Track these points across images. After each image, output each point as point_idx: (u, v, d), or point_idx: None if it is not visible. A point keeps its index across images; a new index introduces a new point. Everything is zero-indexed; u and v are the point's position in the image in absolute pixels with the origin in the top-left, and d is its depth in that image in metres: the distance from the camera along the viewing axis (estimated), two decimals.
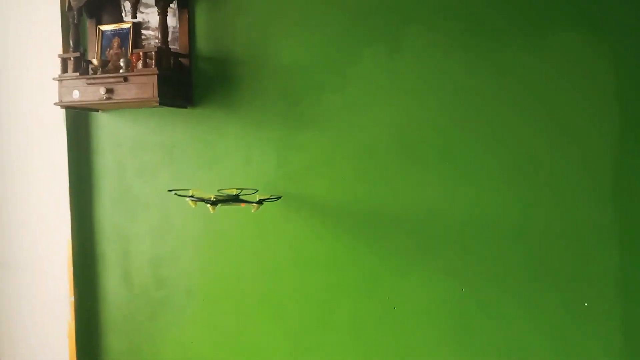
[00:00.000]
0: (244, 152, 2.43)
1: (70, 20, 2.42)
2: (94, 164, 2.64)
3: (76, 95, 2.38)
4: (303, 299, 2.36)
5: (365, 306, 2.28)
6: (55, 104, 2.42)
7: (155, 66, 2.27)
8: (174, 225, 2.54)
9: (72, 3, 2.36)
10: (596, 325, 2.03)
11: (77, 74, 2.37)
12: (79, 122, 2.64)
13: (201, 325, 2.50)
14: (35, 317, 2.67)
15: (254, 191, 2.29)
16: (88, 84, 2.34)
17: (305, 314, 2.36)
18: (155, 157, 2.56)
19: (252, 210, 2.26)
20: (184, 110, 2.49)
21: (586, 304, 2.04)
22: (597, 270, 2.02)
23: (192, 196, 2.30)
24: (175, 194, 2.35)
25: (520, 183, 2.09)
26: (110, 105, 2.41)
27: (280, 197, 2.30)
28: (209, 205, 2.23)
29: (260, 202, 2.26)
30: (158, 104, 2.30)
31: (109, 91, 2.32)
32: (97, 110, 2.60)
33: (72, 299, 2.61)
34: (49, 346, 2.64)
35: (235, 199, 2.27)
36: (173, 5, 2.40)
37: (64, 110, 2.58)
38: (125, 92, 2.31)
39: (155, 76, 2.26)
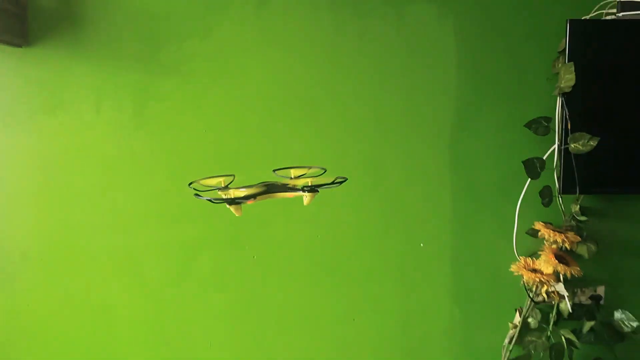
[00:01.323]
0: (93, 98, 2.24)
1: None
2: None
3: None
4: (161, 254, 2.28)
5: (226, 257, 2.31)
6: None
7: None
8: (4, 180, 2.24)
9: None
10: (430, 263, 2.36)
11: None
12: None
13: (41, 290, 2.27)
14: None
15: (322, 171, 1.68)
16: None
17: (163, 268, 2.29)
18: None
19: (305, 202, 1.55)
20: (17, 49, 2.19)
21: (422, 245, 2.34)
22: (433, 214, 2.34)
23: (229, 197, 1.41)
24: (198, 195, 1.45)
25: (374, 136, 2.30)
26: None
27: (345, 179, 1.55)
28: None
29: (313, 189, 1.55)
30: None
31: None
32: None
33: None
34: None
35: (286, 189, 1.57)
36: None
37: None
38: None
39: None
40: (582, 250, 2.14)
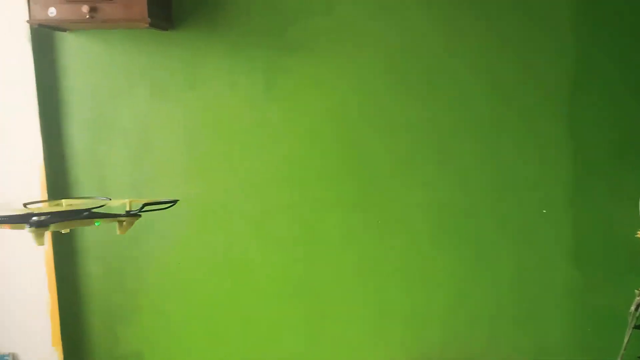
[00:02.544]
0: (229, 74, 2.45)
1: None
2: (63, 87, 2.53)
3: (52, 12, 2.24)
4: (293, 214, 2.49)
5: (352, 219, 2.47)
6: (28, 21, 2.26)
7: None
8: (155, 148, 2.53)
9: None
10: (552, 229, 2.37)
11: None
12: (45, 42, 2.49)
13: (188, 246, 2.56)
14: (11, 245, 2.57)
15: (101, 203, 1.61)
16: (68, 0, 2.21)
17: (294, 227, 2.50)
18: (132, 79, 2.50)
19: (118, 232, 1.59)
20: (164, 32, 2.44)
21: (544, 211, 2.36)
22: (555, 181, 2.34)
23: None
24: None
25: (491, 102, 2.33)
26: (90, 25, 2.30)
27: (175, 202, 1.63)
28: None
29: (130, 214, 1.56)
30: (148, 25, 2.24)
31: (93, 10, 2.21)
32: (64, 30, 2.47)
33: None
34: (26, 274, 2.58)
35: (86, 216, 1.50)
36: None
37: (28, 29, 2.42)
38: (110, 11, 2.21)
39: None
40: None
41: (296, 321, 2.55)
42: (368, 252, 2.47)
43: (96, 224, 1.49)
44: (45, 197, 2.52)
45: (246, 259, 2.54)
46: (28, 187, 2.53)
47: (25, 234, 2.49)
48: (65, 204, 1.66)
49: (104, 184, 2.56)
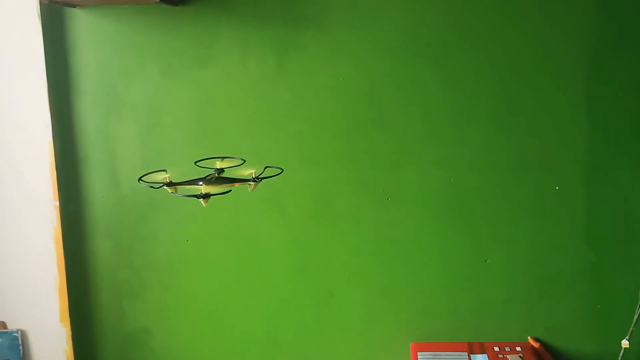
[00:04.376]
0: (240, 51, 2.44)
1: None
2: (73, 63, 2.52)
3: None
4: (303, 192, 2.47)
5: (363, 198, 2.46)
6: None
7: None
8: (165, 126, 2.52)
9: None
10: (565, 206, 2.36)
11: None
12: (54, 18, 2.49)
13: (196, 223, 2.56)
14: (20, 223, 2.57)
15: (240, 162, 1.84)
16: None
17: (304, 206, 2.49)
18: (143, 56, 2.49)
19: (250, 189, 1.77)
20: (175, 8, 2.43)
21: (557, 188, 2.35)
22: (568, 158, 2.33)
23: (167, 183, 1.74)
24: (147, 184, 1.74)
25: (507, 78, 2.31)
26: (100, 0, 2.30)
27: (282, 171, 1.78)
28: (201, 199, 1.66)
29: (258, 179, 1.74)
30: (159, 1, 2.24)
31: None
32: (74, 6, 2.46)
33: (57, 203, 2.54)
34: (35, 252, 2.58)
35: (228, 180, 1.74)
36: None
37: (38, 5, 2.42)
38: None
39: None
40: None
41: (304, 298, 2.54)
42: (378, 230, 2.46)
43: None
44: (54, 174, 2.52)
45: (255, 236, 2.54)
46: (37, 163, 2.53)
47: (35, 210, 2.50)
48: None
49: (114, 160, 2.55)
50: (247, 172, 1.76)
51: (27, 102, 2.50)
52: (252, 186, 1.73)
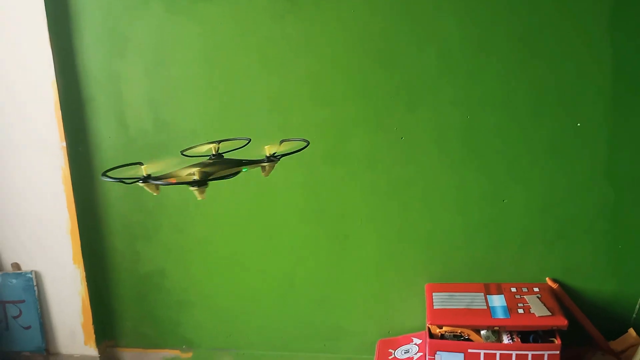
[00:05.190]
0: None
1: None
2: (74, 1, 2.42)
3: None
4: (315, 132, 2.39)
5: (376, 138, 2.38)
6: None
7: None
8: (172, 64, 2.43)
9: None
10: (585, 144, 2.27)
11: None
12: None
13: None
14: (28, 164, 2.53)
15: (246, 141, 1.63)
16: None
17: (318, 147, 2.41)
18: None
19: (264, 173, 1.48)
20: None
21: (579, 124, 2.25)
22: (589, 96, 2.22)
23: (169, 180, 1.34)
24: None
25: (525, 11, 2.19)
26: None
27: (307, 144, 1.50)
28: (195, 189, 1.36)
29: (274, 157, 1.45)
30: None
31: None
32: None
33: (64, 144, 2.49)
34: (45, 195, 2.55)
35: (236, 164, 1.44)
36: None
37: None
38: None
39: None
40: None
41: (319, 240, 2.51)
42: (392, 171, 2.39)
43: (244, 169, 1.43)
44: (59, 114, 2.46)
45: (268, 177, 2.47)
46: (42, 103, 2.47)
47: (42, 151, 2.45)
48: (209, 148, 1.59)
49: (120, 100, 2.48)
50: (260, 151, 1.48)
51: (28, 40, 2.41)
52: (267, 169, 1.44)
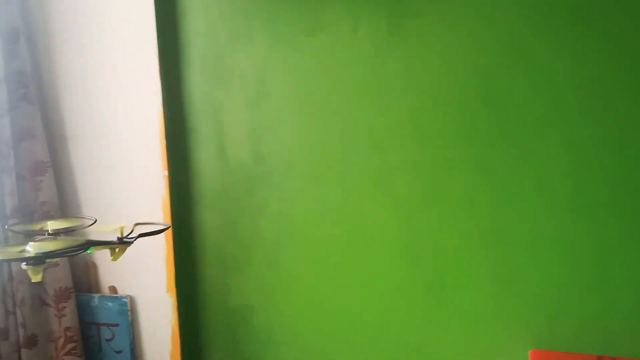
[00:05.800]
0: (350, 19, 2.26)
1: None
2: (183, 31, 2.48)
3: None
4: (413, 172, 2.26)
5: (478, 180, 2.20)
6: None
7: None
8: (273, 96, 2.41)
9: None
10: None
11: None
12: None
13: (303, 200, 2.43)
14: (129, 191, 2.60)
15: (92, 220, 1.58)
16: None
17: (415, 187, 2.27)
18: (251, 22, 2.39)
19: (111, 258, 1.45)
20: None
21: None
22: None
23: None
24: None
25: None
26: None
27: (167, 227, 1.49)
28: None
29: (121, 241, 1.41)
30: None
31: None
32: None
33: (166, 173, 2.53)
34: (143, 219, 2.60)
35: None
36: None
37: None
38: None
39: None
40: None
41: (413, 288, 2.33)
42: (496, 217, 2.19)
43: (88, 251, 1.37)
44: (164, 144, 2.50)
45: (362, 217, 2.37)
46: (147, 133, 2.53)
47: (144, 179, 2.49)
48: (51, 226, 1.55)
49: (222, 131, 2.49)
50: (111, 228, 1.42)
51: (138, 69, 2.50)
52: (116, 252, 1.35)
